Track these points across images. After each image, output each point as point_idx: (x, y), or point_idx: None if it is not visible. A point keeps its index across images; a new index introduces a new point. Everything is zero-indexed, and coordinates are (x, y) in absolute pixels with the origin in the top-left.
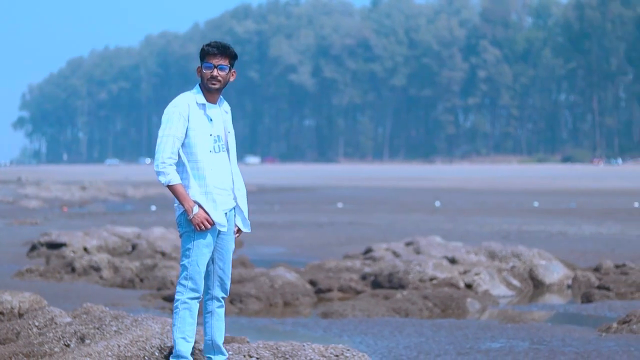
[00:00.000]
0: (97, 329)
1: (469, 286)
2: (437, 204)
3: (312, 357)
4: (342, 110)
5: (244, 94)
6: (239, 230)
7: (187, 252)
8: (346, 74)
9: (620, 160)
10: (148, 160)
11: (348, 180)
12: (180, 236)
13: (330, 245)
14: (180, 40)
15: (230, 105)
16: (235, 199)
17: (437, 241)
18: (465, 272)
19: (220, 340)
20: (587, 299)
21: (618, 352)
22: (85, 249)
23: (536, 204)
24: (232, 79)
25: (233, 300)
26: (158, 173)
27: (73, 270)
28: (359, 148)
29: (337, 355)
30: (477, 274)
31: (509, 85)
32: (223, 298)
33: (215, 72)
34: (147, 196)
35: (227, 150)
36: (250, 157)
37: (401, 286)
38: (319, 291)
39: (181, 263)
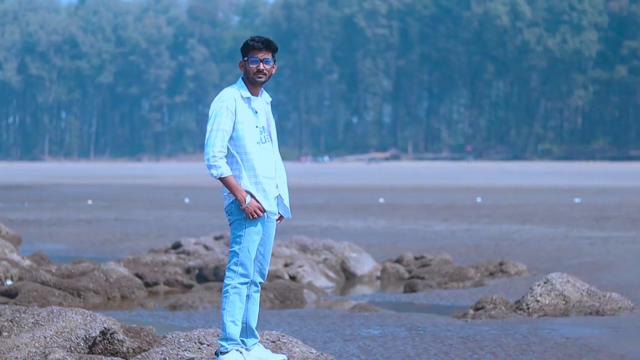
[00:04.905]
0: (11, 321)
1: (292, 278)
2: (186, 200)
3: None
4: (48, 108)
5: None
6: (280, 217)
7: (238, 239)
8: (52, 71)
9: (327, 158)
10: None
11: (60, 178)
12: (231, 224)
13: (110, 241)
14: None
15: None
16: (277, 186)
17: None
18: (287, 265)
19: (254, 323)
20: (411, 289)
21: (501, 336)
22: None
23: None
24: (274, 72)
25: (72, 293)
26: (210, 167)
27: None
28: (64, 146)
29: (274, 341)
30: (300, 267)
31: (216, 84)
32: (260, 283)
33: (261, 66)
34: None
35: (271, 139)
36: None
37: None
38: (146, 285)
39: (231, 249)
